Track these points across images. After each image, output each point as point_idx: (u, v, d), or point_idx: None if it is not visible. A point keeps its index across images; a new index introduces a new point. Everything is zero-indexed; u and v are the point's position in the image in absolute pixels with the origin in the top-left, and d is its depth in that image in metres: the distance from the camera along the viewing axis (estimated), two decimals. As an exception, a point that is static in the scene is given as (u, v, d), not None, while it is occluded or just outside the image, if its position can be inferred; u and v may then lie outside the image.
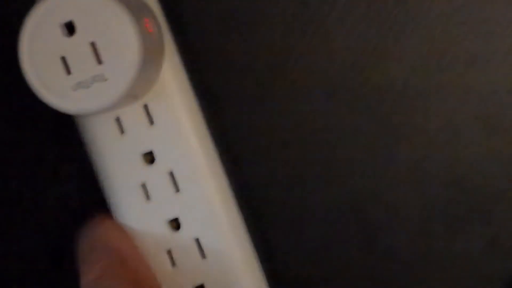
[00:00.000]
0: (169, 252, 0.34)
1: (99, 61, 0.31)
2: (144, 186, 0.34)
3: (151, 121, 0.34)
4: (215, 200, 0.34)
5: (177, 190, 0.34)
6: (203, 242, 0.34)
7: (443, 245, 0.37)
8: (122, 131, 0.34)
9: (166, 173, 0.34)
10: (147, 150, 0.34)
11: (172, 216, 0.34)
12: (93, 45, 0.31)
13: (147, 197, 0.34)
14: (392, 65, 0.36)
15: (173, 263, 0.34)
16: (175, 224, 0.34)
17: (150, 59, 0.31)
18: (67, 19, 0.31)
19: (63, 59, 0.31)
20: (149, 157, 0.34)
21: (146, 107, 0.34)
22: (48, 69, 0.31)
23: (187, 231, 0.34)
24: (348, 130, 0.36)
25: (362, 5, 0.36)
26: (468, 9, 0.36)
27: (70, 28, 0.31)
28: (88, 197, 0.37)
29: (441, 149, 0.36)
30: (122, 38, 0.30)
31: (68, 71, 0.31)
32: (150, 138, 0.34)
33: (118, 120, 0.34)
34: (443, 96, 0.36)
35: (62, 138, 0.36)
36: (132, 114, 0.34)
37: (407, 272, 0.37)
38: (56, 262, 0.37)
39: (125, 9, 0.30)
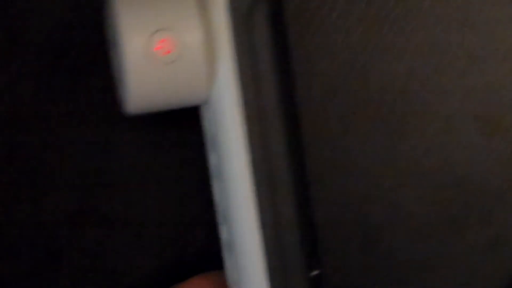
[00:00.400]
0: None
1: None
2: None
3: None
4: None
5: None
6: None
7: (443, 245, 0.37)
8: None
9: None
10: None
11: None
12: None
13: None
14: (392, 65, 0.36)
15: None
16: None
17: (168, 78, 0.30)
18: None
19: None
20: None
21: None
22: None
23: None
24: (347, 130, 0.36)
25: (362, 5, 0.36)
26: (468, 9, 0.36)
27: None
28: (88, 198, 0.37)
29: (441, 149, 0.36)
30: (121, 55, 0.30)
31: None
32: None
33: None
34: (443, 96, 0.36)
35: (62, 139, 0.36)
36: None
37: (407, 272, 0.37)
38: (55, 263, 0.37)
39: (121, 25, 0.30)
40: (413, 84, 0.36)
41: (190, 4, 0.30)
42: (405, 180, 0.37)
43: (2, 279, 0.37)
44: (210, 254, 0.35)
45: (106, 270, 0.37)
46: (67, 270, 0.37)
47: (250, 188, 0.31)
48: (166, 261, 0.37)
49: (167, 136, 0.36)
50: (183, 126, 0.36)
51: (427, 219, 0.37)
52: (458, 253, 0.37)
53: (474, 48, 0.36)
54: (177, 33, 0.30)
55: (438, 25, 0.36)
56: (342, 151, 0.36)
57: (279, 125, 0.32)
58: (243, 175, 0.31)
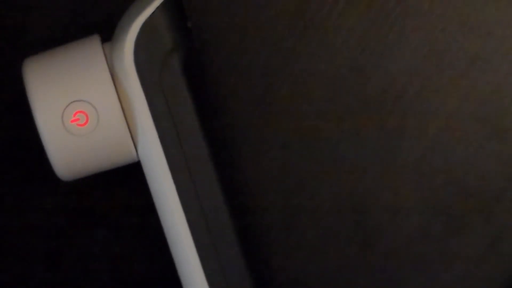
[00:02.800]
0: None
1: None
2: None
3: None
4: None
5: None
6: None
7: (443, 245, 0.37)
8: None
9: None
10: None
11: None
12: None
13: None
14: (392, 65, 0.36)
15: None
16: None
17: (89, 147, 0.30)
18: None
19: None
20: None
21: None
22: None
23: None
24: (348, 130, 0.36)
25: (362, 5, 0.36)
26: (468, 9, 0.36)
27: None
28: (87, 199, 0.37)
29: (441, 149, 0.36)
30: (38, 129, 0.30)
31: None
32: None
33: None
34: (443, 96, 0.36)
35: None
36: None
37: (407, 272, 0.37)
38: (55, 263, 0.37)
39: (33, 100, 0.30)
40: (413, 84, 0.36)
41: (102, 74, 0.30)
42: (405, 180, 0.37)
43: (2, 279, 0.37)
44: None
45: (106, 270, 0.37)
46: (67, 270, 0.37)
47: (190, 248, 0.32)
48: (166, 261, 0.37)
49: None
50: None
51: (427, 219, 0.37)
52: (458, 253, 0.37)
53: (474, 48, 0.36)
54: (92, 104, 0.30)
55: (438, 25, 0.36)
56: (342, 151, 0.36)
57: (209, 175, 0.32)
58: (181, 235, 0.32)
